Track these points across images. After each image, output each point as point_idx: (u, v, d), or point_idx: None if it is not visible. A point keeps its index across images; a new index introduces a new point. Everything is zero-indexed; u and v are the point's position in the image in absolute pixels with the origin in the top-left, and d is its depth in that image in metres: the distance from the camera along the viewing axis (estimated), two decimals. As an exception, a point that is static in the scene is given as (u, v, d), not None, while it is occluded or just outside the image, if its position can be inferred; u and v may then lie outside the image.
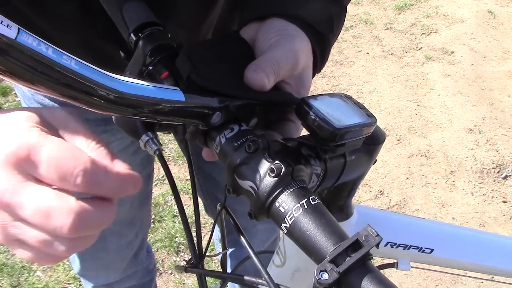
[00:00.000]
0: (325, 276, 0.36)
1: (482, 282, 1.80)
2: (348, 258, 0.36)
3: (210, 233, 1.42)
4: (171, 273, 1.92)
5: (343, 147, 0.45)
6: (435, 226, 0.63)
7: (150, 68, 0.48)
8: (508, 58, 3.08)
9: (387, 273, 1.83)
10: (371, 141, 0.50)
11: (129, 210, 0.94)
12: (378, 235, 0.38)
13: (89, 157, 0.33)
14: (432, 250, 0.58)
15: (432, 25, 3.35)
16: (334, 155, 0.47)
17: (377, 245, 0.38)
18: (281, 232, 0.40)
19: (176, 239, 1.99)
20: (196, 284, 1.76)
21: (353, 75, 2.91)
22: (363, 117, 0.45)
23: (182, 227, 2.07)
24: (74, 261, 1.04)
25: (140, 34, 0.50)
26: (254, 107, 0.47)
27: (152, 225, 2.02)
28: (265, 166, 0.42)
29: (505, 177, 2.22)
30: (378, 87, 2.81)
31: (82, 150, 0.34)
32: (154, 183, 2.26)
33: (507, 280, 0.75)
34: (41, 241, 0.34)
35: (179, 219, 2.14)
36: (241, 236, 0.51)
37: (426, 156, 2.33)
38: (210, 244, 0.59)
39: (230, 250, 1.24)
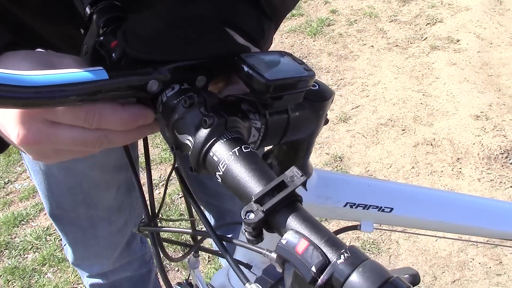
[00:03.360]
0: (252, 216, 0.37)
1: (490, 267, 1.77)
2: (273, 197, 0.37)
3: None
4: (177, 270, 1.94)
5: (281, 100, 0.46)
6: (395, 186, 0.63)
7: (102, 38, 0.50)
8: (516, 43, 3.03)
9: (392, 261, 1.81)
10: (316, 98, 0.51)
11: (116, 196, 0.95)
12: (303, 175, 0.38)
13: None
14: (391, 209, 0.57)
15: (437, 15, 3.32)
16: (275, 111, 0.47)
17: (304, 185, 0.38)
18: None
19: (183, 236, 2.00)
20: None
21: (357, 69, 2.90)
22: (300, 71, 0.46)
23: (190, 224, 2.09)
24: (68, 251, 1.06)
25: (94, 8, 0.52)
26: (188, 67, 0.48)
27: (158, 224, 2.04)
28: (199, 118, 0.43)
29: (514, 162, 2.18)
30: (383, 79, 2.79)
31: None
32: (160, 183, 2.28)
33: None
34: None
35: (186, 216, 2.16)
36: (195, 207, 0.52)
37: (431, 144, 2.31)
38: (162, 206, 0.60)
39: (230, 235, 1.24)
